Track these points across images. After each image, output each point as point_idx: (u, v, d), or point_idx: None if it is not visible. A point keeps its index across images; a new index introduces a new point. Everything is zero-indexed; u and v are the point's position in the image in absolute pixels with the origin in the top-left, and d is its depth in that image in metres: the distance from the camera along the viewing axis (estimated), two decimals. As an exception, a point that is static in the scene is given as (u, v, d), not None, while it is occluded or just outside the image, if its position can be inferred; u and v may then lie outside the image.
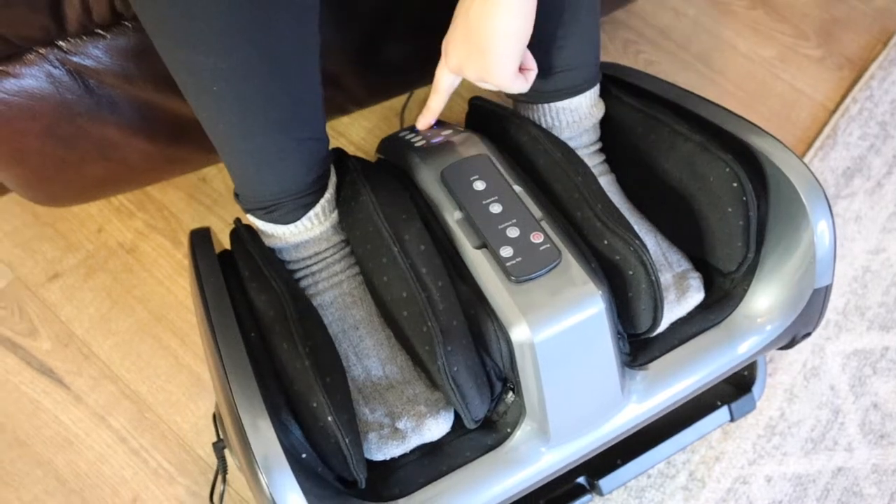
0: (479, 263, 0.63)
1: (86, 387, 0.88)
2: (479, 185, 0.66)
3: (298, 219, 0.67)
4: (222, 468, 0.71)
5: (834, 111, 1.08)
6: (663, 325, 0.70)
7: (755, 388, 0.84)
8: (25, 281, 0.94)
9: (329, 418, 0.58)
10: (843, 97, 1.09)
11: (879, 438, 0.87)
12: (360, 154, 0.96)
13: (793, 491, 0.85)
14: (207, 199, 0.98)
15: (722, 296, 0.72)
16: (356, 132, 1.03)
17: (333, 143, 1.00)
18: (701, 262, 0.73)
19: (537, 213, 0.65)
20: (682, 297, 0.71)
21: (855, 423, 0.88)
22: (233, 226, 0.72)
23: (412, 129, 0.77)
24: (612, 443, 0.69)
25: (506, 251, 0.62)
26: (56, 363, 0.89)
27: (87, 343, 0.90)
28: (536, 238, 0.62)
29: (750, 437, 0.87)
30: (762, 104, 1.09)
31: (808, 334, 0.74)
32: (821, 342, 0.92)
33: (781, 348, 0.75)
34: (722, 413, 0.82)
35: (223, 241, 0.74)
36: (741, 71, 1.11)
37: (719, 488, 0.85)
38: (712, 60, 1.11)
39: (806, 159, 1.04)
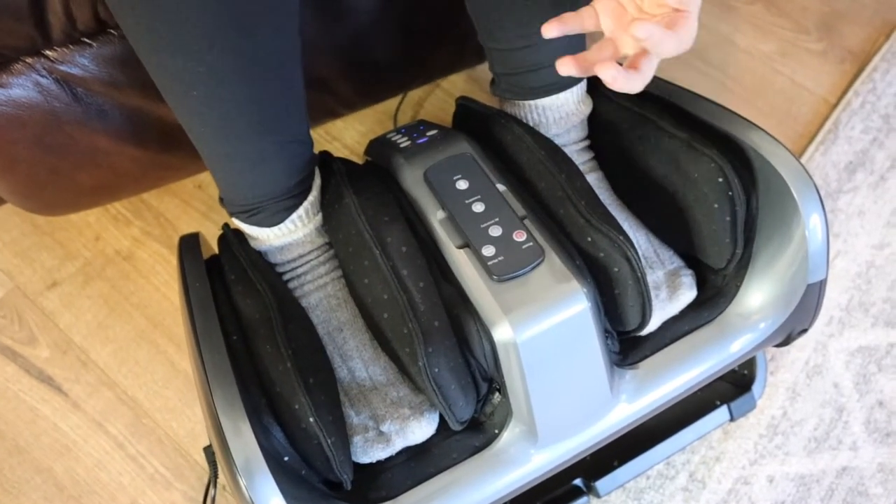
0: (461, 263, 0.62)
1: (84, 394, 0.89)
2: (462, 185, 0.66)
3: (282, 221, 0.68)
4: (213, 473, 0.71)
5: (836, 105, 1.06)
6: (655, 324, 0.69)
7: (755, 387, 0.82)
8: (24, 289, 0.95)
9: (311, 419, 0.57)
10: (845, 91, 1.07)
11: (885, 437, 0.86)
12: (353, 158, 0.96)
13: (796, 491, 0.83)
14: (203, 206, 0.99)
15: (714, 293, 0.71)
16: (350, 136, 1.03)
17: (327, 147, 1.01)
18: (693, 260, 0.73)
19: (520, 211, 0.64)
20: (673, 295, 0.70)
21: (859, 422, 0.87)
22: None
23: (399, 130, 0.77)
24: (603, 443, 0.68)
25: (488, 250, 0.61)
26: (55, 370, 0.90)
27: (85, 350, 0.91)
28: (519, 236, 0.62)
29: (751, 437, 0.86)
30: (762, 99, 1.07)
31: (805, 331, 0.73)
32: (824, 339, 0.91)
33: (777, 345, 0.74)
34: (721, 412, 0.81)
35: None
36: (741, 66, 1.10)
37: (720, 489, 0.84)
38: (711, 56, 1.10)
39: (807, 154, 1.03)
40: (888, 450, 0.85)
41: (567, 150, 0.74)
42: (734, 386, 0.83)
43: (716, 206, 0.66)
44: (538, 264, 0.61)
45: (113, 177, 0.82)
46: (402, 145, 0.72)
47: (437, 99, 1.06)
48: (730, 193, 0.65)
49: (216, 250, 0.73)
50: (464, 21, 0.73)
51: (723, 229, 0.67)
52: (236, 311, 0.65)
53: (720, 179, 0.65)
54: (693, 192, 0.68)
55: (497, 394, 0.64)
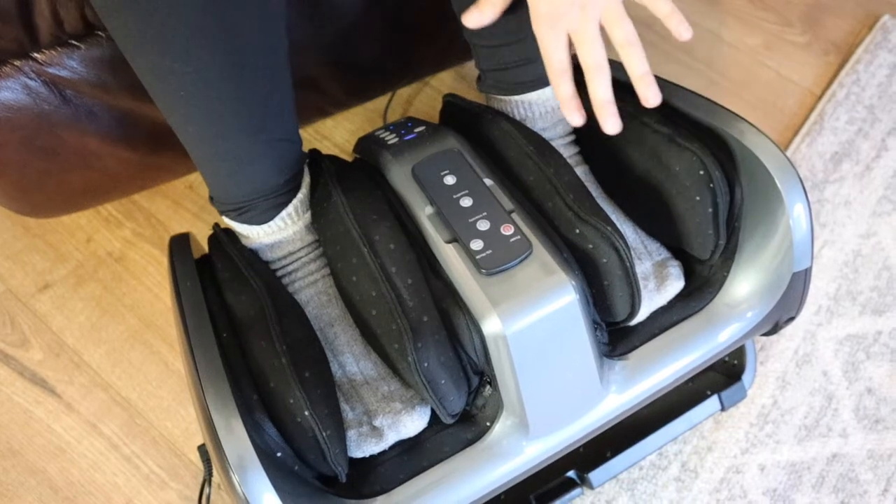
0: (450, 257, 0.63)
1: (77, 395, 0.89)
2: (450, 180, 0.66)
3: (271, 219, 0.68)
4: (208, 471, 0.71)
5: (821, 97, 1.07)
6: (644, 315, 0.70)
7: (745, 377, 0.83)
8: (16, 292, 0.95)
9: (306, 413, 0.58)
10: (830, 82, 1.08)
11: (874, 423, 0.87)
12: (343, 157, 0.96)
13: (787, 479, 0.84)
14: (194, 206, 0.99)
15: (702, 283, 0.72)
16: (340, 135, 1.03)
17: (317, 146, 1.01)
18: (680, 251, 0.73)
19: (508, 205, 0.65)
20: (661, 286, 0.70)
21: (849, 409, 0.88)
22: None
23: (387, 127, 0.77)
24: (595, 434, 0.68)
25: (476, 244, 0.62)
26: (48, 373, 0.90)
27: (78, 352, 0.91)
28: (507, 230, 0.62)
29: (742, 426, 0.86)
30: (748, 92, 1.08)
31: (791, 319, 0.74)
32: (812, 328, 0.92)
33: (765, 334, 0.75)
34: (712, 402, 0.81)
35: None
36: (727, 60, 1.10)
37: (712, 478, 0.84)
38: (697, 51, 1.11)
39: (793, 145, 1.03)
40: (878, 436, 0.86)
41: (554, 144, 0.75)
42: (725, 376, 0.83)
43: (697, 198, 0.66)
44: (526, 257, 0.61)
45: (103, 178, 0.83)
46: (389, 142, 0.72)
47: (427, 97, 1.06)
48: (711, 185, 0.66)
49: (206, 250, 0.73)
50: (450, 19, 0.74)
51: (705, 221, 0.67)
52: (228, 309, 0.65)
53: (701, 172, 0.66)
54: (675, 185, 0.68)
55: (488, 387, 0.65)
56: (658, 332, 0.69)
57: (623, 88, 0.76)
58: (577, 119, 0.65)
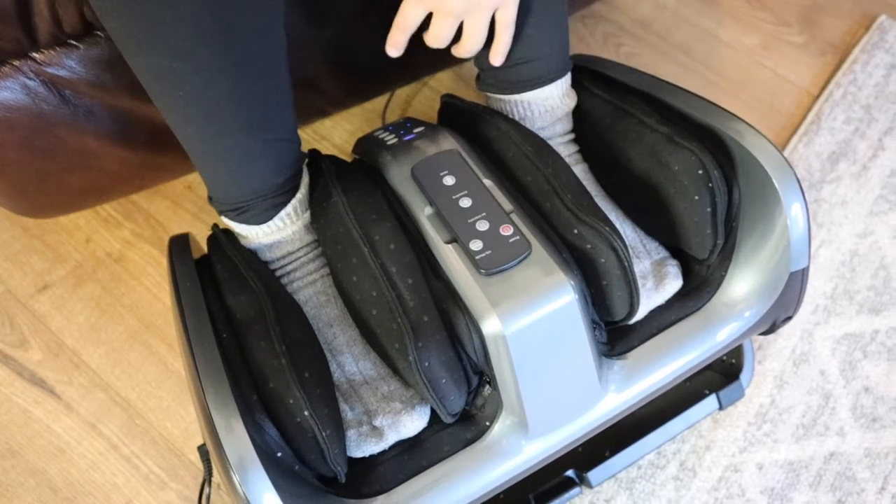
0: (449, 258, 0.63)
1: (77, 395, 0.89)
2: (449, 181, 0.66)
3: (270, 219, 0.68)
4: (207, 471, 0.71)
5: (818, 97, 1.07)
6: (642, 313, 0.70)
7: (743, 376, 0.83)
8: (15, 293, 0.95)
9: (306, 413, 0.58)
10: (827, 82, 1.08)
11: (871, 422, 0.87)
12: (342, 157, 0.97)
13: (785, 477, 0.84)
14: (193, 207, 0.99)
15: (700, 282, 0.72)
16: (339, 135, 1.03)
17: (316, 147, 1.01)
18: (678, 250, 0.73)
19: (507, 205, 0.65)
20: (660, 285, 0.70)
21: (846, 408, 0.88)
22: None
23: (386, 128, 0.77)
24: (594, 434, 0.68)
25: (475, 244, 0.62)
26: (47, 373, 0.90)
27: (77, 352, 0.91)
28: (506, 231, 0.62)
29: (740, 425, 0.87)
30: (746, 92, 1.08)
31: (789, 318, 0.74)
32: (810, 327, 0.92)
33: (763, 333, 0.75)
34: (710, 402, 0.81)
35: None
36: (724, 60, 1.11)
37: (710, 477, 0.85)
38: (694, 50, 1.11)
39: (791, 145, 1.04)
40: (875, 435, 0.86)
41: (552, 143, 0.75)
42: (722, 375, 0.83)
43: (696, 197, 0.67)
44: (525, 257, 0.61)
45: (102, 178, 0.82)
46: (389, 142, 0.73)
47: (425, 97, 1.07)
48: (710, 185, 0.66)
49: (206, 251, 0.73)
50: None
51: (704, 220, 0.67)
52: (228, 309, 0.65)
53: (700, 171, 0.66)
54: (674, 184, 0.69)
55: (487, 386, 0.65)
56: (656, 332, 0.69)
57: (622, 88, 0.77)
58: (394, 52, 0.72)
